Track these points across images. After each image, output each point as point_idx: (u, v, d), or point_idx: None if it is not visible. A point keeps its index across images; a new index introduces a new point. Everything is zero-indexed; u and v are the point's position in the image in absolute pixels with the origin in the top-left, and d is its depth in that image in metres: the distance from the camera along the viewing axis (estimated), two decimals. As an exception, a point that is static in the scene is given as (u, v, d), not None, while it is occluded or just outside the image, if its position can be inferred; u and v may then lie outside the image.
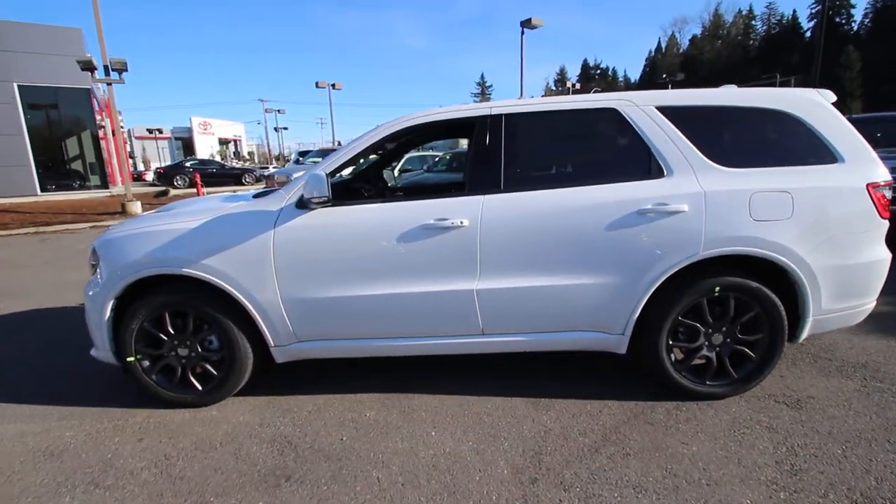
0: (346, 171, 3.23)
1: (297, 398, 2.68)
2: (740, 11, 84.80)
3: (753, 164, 2.37)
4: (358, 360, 3.01)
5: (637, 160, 2.40)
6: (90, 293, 2.58)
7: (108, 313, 2.53)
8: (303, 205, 2.40)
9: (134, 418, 2.57)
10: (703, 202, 2.28)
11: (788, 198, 2.29)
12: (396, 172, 11.90)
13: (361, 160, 2.85)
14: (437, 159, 12.51)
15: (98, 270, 2.56)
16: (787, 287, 2.40)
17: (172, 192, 19.34)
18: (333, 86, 32.31)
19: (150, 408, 2.65)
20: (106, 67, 12.58)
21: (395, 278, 2.40)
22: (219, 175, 24.00)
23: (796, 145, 2.42)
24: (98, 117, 19.36)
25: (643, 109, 2.41)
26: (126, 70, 12.64)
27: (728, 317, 2.42)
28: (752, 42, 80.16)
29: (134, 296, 2.55)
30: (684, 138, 2.37)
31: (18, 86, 16.26)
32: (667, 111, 2.41)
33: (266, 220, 2.41)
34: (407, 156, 13.18)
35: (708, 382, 2.49)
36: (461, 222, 2.32)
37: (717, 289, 2.36)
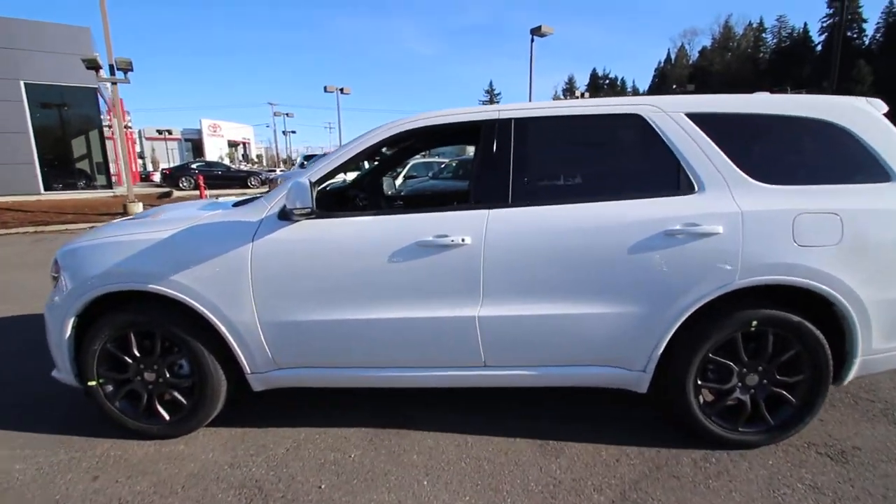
0: (341, 178, 2.97)
1: (276, 431, 2.40)
2: (751, 24, 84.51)
3: (796, 181, 2.08)
4: (345, 389, 2.72)
5: (664, 173, 2.12)
6: (50, 309, 2.32)
7: (68, 332, 2.27)
8: (285, 216, 2.13)
9: (93, 450, 2.30)
10: (739, 223, 1.99)
11: (837, 220, 1.99)
12: (401, 179, 11.65)
13: (355, 166, 2.59)
14: (443, 166, 12.23)
15: (59, 284, 2.30)
16: (832, 322, 2.09)
17: (176, 193, 19.22)
18: (342, 90, 32.33)
19: (112, 437, 2.38)
20: (111, 67, 12.51)
21: (386, 301, 2.12)
22: (224, 177, 23.90)
23: (844, 160, 2.12)
24: (106, 117, 19.33)
25: (671, 116, 2.13)
26: (131, 70, 12.55)
27: (765, 355, 2.12)
28: (762, 55, 79.76)
29: (97, 313, 2.29)
30: (718, 149, 2.09)
31: (25, 84, 16.22)
32: (698, 119, 2.13)
33: (243, 233, 2.15)
34: (412, 162, 12.94)
35: (741, 429, 2.18)
36: (462, 240, 2.05)
37: (754, 323, 2.06)
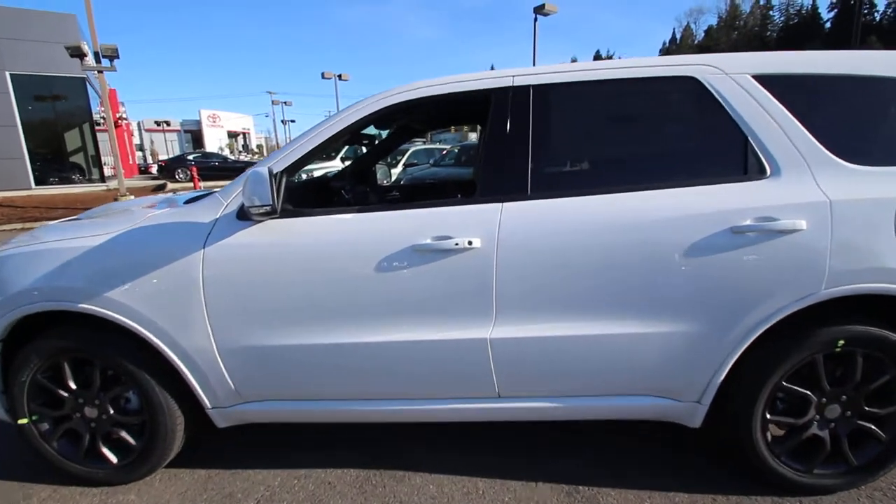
0: (328, 166, 2.51)
1: (247, 475, 1.99)
2: (758, 2, 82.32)
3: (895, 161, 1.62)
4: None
5: (727, 152, 1.66)
6: (-31, 333, 1.90)
7: (-9, 360, 1.85)
8: (246, 215, 1.69)
9: (29, 499, 1.90)
10: (828, 216, 1.54)
11: None
12: (400, 167, 11.14)
13: (337, 150, 2.13)
14: (444, 153, 11.66)
15: (-24, 302, 1.88)
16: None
17: (171, 185, 18.75)
18: (340, 76, 31.52)
19: (53, 483, 1.98)
20: (97, 54, 11.97)
21: (374, 321, 1.69)
22: (221, 168, 23.33)
23: None
24: (98, 109, 18.81)
25: (735, 79, 1.66)
26: (117, 57, 12.02)
27: (852, 381, 1.68)
28: (769, 33, 77.81)
29: (27, 336, 1.87)
30: (795, 121, 1.62)
31: (11, 74, 15.69)
32: (768, 82, 1.66)
33: (192, 237, 1.71)
34: (413, 149, 12.43)
35: (816, 471, 1.75)
36: (469, 242, 1.60)
37: (840, 342, 1.62)
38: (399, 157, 11.44)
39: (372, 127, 2.54)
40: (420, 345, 1.68)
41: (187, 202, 1.96)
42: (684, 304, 1.60)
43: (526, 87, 1.71)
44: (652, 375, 1.69)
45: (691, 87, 1.68)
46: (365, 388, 1.79)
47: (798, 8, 76.84)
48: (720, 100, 1.65)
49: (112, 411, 1.90)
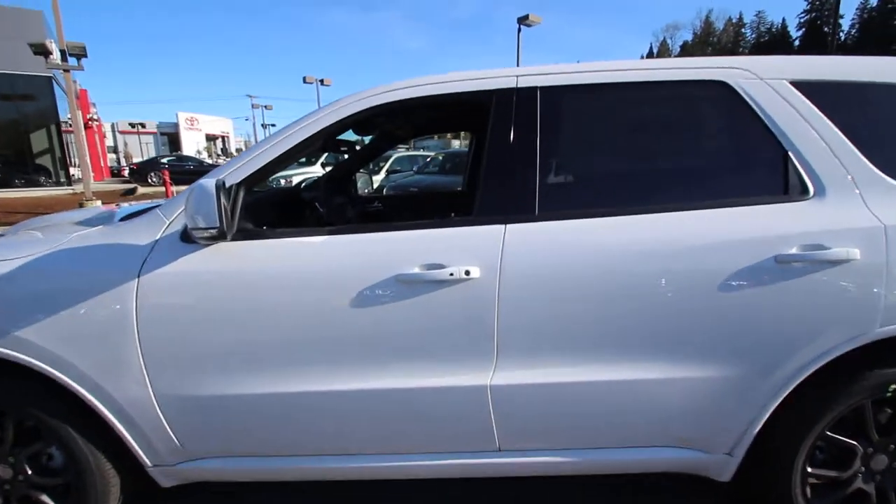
0: (307, 172, 2.21)
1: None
2: (731, 19, 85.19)
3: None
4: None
5: (765, 169, 1.44)
6: None
7: None
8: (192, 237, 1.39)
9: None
10: (882, 244, 1.32)
11: None
12: (383, 174, 10.83)
13: (310, 158, 1.83)
14: (428, 160, 11.39)
15: None
16: None
17: (142, 189, 17.98)
18: (322, 81, 31.07)
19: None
20: (63, 52, 11.35)
21: (352, 365, 1.40)
22: (196, 173, 22.53)
23: None
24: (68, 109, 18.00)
25: (771, 85, 1.45)
26: (85, 55, 11.42)
27: (902, 429, 1.46)
28: (741, 50, 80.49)
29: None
30: (841, 135, 1.41)
31: (-30, 72, 14.85)
32: (809, 90, 1.45)
33: (125, 263, 1.39)
34: (395, 155, 12.15)
35: (861, 532, 1.53)
36: (466, 272, 1.33)
37: (893, 387, 1.41)
38: (382, 164, 11.14)
39: (351, 132, 2.26)
40: (406, 393, 1.40)
41: (124, 218, 1.63)
42: (719, 343, 1.36)
43: (532, 90, 1.45)
44: (678, 425, 1.45)
45: (722, 94, 1.45)
46: (340, 443, 1.49)
47: (769, 26, 79.80)
48: (756, 109, 1.43)
49: (30, 471, 1.56)
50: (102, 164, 29.35)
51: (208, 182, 1.23)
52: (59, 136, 17.72)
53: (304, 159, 14.01)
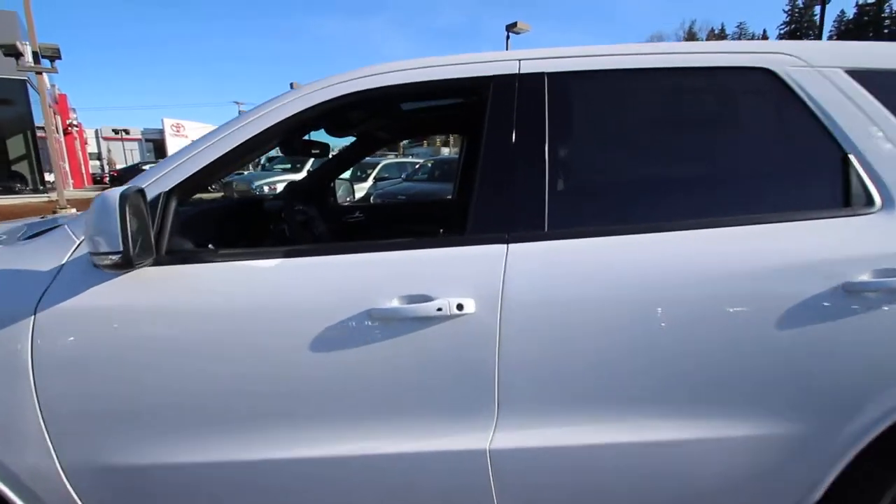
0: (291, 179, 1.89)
1: None
2: (713, 30, 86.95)
3: None
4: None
5: (820, 175, 1.18)
6: None
7: None
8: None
9: None
10: (969, 268, 1.07)
11: None
12: (371, 181, 10.51)
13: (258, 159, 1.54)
14: (417, 167, 11.10)
15: None
16: None
17: (123, 197, 17.40)
18: (309, 88, 30.64)
19: None
20: (35, 54, 10.89)
21: (314, 426, 1.10)
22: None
23: None
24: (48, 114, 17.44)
25: (824, 74, 1.20)
26: (59, 57, 10.98)
27: None
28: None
29: None
30: (910, 134, 1.17)
31: (-61, 75, 14.26)
32: (867, 79, 1.20)
33: (19, 295, 1.08)
34: (384, 162, 11.83)
35: None
36: (458, 306, 1.04)
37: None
38: (369, 171, 10.84)
39: (324, 133, 1.97)
40: (383, 461, 1.10)
41: (28, 238, 1.30)
42: (772, 393, 1.09)
43: (538, 77, 1.18)
44: (724, 490, 1.17)
45: (766, 83, 1.20)
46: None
47: (750, 37, 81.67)
48: (808, 102, 1.18)
49: None
50: (84, 171, 28.58)
51: (112, 194, 0.93)
52: (34, 141, 17.14)
53: (288, 165, 13.67)
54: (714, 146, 1.25)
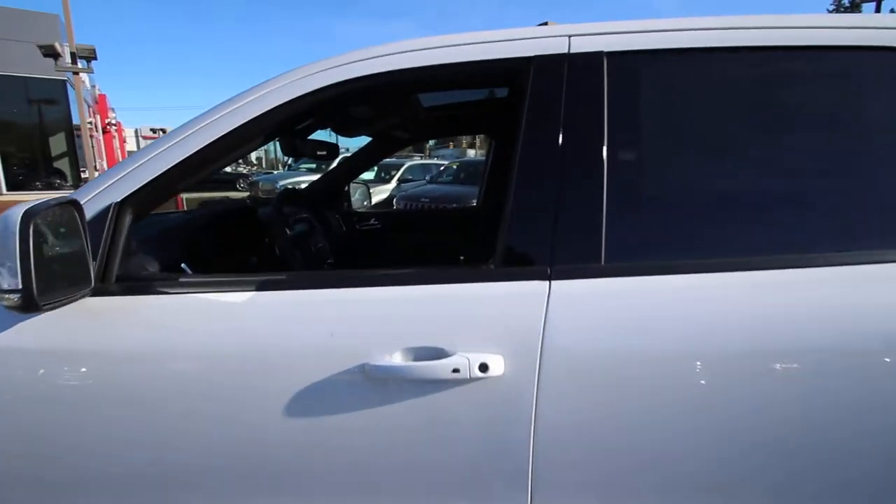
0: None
1: None
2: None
3: None
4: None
5: None
6: None
7: None
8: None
9: None
10: None
11: None
12: (394, 183, 10.30)
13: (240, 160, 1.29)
14: (441, 169, 10.81)
15: None
16: None
17: (155, 195, 17.86)
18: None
19: None
20: (73, 55, 11.21)
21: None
22: (215, 180, 22.40)
23: None
24: (87, 113, 18.14)
25: None
26: (94, 58, 11.31)
27: None
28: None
29: None
30: None
31: (-15, 75, 14.92)
32: None
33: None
34: (408, 163, 11.62)
35: None
36: (481, 367, 0.77)
37: None
38: (393, 172, 10.65)
39: (331, 132, 1.73)
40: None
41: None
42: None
43: (595, 57, 0.89)
44: None
45: (887, 67, 0.87)
46: None
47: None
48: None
49: None
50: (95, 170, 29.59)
51: (13, 212, 0.69)
52: (72, 139, 17.82)
53: (313, 165, 13.58)
54: (860, 154, 0.91)
